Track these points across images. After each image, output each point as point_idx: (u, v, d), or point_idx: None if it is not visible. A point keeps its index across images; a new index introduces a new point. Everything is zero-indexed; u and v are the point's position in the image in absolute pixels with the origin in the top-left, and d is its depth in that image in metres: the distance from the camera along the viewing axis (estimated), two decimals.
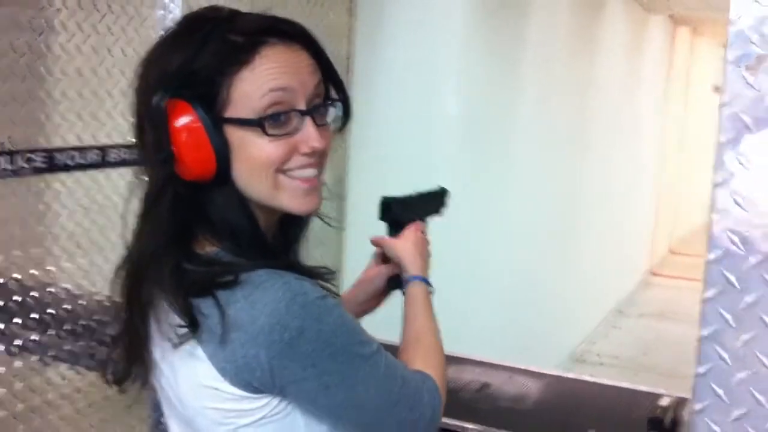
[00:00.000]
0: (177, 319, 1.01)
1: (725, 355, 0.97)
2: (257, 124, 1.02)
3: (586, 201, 6.19)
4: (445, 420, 1.64)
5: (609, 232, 7.01)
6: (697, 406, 0.98)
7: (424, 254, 1.38)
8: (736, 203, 0.96)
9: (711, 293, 0.97)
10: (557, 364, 5.36)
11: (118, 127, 1.84)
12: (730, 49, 0.95)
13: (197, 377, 1.01)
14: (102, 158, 1.72)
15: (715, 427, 0.97)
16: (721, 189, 0.97)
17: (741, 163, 0.95)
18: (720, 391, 0.97)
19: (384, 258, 1.42)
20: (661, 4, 7.55)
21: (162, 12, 1.87)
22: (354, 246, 2.73)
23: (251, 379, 0.98)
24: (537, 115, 4.91)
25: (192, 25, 1.06)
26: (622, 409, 1.84)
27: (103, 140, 1.81)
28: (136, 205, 1.07)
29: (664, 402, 1.78)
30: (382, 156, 3.02)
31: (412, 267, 1.35)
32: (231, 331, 0.97)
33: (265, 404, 1.01)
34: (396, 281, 1.38)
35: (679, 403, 1.80)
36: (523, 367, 2.06)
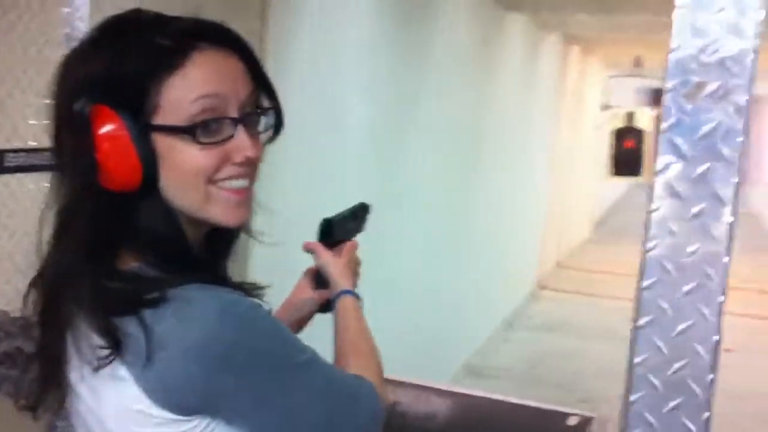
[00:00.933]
0: (97, 340, 0.95)
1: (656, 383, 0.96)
2: (188, 131, 0.97)
3: (478, 213, 6.29)
4: None
5: (500, 245, 7.14)
6: None
7: (356, 272, 1.38)
8: (670, 231, 0.96)
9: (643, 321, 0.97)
10: (451, 376, 5.41)
11: (17, 130, 1.72)
12: (670, 77, 0.95)
13: (122, 401, 0.95)
14: (0, 163, 1.61)
15: None
16: (656, 215, 0.97)
17: (675, 190, 0.95)
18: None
19: (314, 278, 1.38)
20: (555, 23, 7.79)
21: (68, 10, 1.76)
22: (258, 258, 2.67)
23: (183, 398, 0.94)
24: (436, 127, 4.98)
25: (115, 27, 1.01)
26: (531, 428, 1.85)
27: (1, 143, 1.70)
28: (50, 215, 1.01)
29: (572, 421, 1.79)
30: (287, 163, 2.97)
31: (342, 281, 1.32)
32: (159, 350, 0.92)
33: (194, 426, 0.95)
34: (328, 306, 1.35)
35: (586, 421, 1.82)
36: (431, 385, 2.04)
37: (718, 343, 0.94)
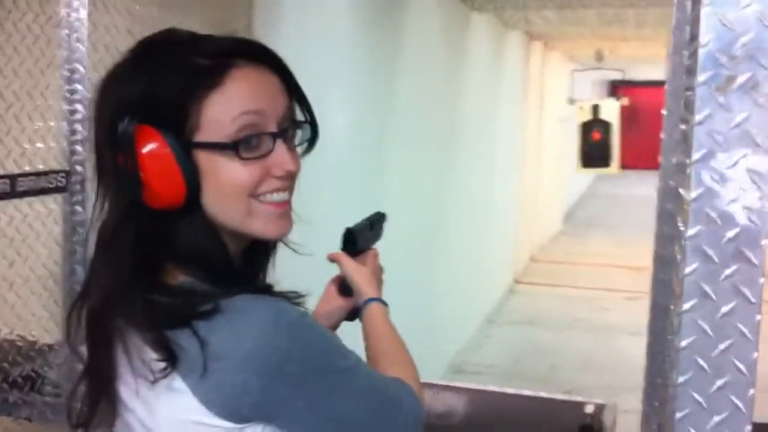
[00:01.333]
0: (151, 354, 0.96)
1: (704, 364, 1.00)
2: (231, 147, 0.99)
3: (454, 211, 6.34)
4: None
5: (477, 242, 7.20)
6: (678, 415, 1.01)
7: (380, 279, 1.40)
8: (710, 217, 0.99)
9: (688, 305, 1.00)
10: (439, 377, 5.45)
11: (25, 153, 1.73)
12: (701, 71, 0.99)
13: (178, 412, 0.97)
14: (11, 188, 1.61)
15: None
16: (696, 204, 1.00)
17: (714, 180, 0.99)
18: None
19: (340, 287, 1.41)
20: (518, 20, 7.89)
21: (66, 31, 1.77)
22: None
23: (240, 407, 0.95)
24: (411, 125, 5.02)
25: (152, 48, 1.03)
26: (547, 419, 1.89)
27: (10, 167, 1.70)
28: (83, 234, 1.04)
29: (589, 409, 1.84)
30: None
31: (369, 289, 1.34)
32: (215, 361, 0.93)
33: (248, 429, 0.97)
34: (356, 314, 1.38)
35: (601, 409, 1.86)
36: (445, 383, 2.08)
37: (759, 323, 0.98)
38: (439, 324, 5.78)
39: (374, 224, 1.49)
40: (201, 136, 0.99)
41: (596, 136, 8.29)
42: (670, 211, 1.57)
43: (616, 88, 17.92)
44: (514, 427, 1.82)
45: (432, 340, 5.62)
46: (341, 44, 3.82)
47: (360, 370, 1.04)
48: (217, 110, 0.99)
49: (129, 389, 1.02)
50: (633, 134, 10.57)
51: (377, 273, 1.40)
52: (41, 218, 1.83)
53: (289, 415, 0.97)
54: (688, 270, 0.99)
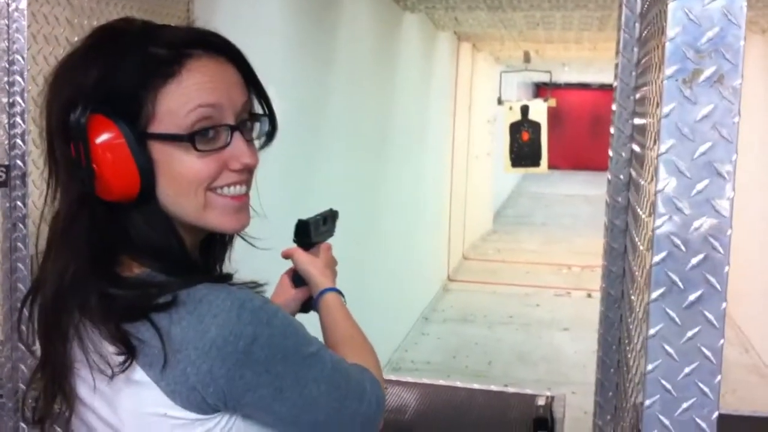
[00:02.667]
0: (109, 348, 0.94)
1: (672, 351, 1.01)
2: (187, 139, 0.98)
3: (386, 211, 6.36)
4: None
5: (410, 240, 7.23)
6: (647, 402, 1.02)
7: (334, 270, 1.41)
8: (677, 208, 1.01)
9: (656, 294, 1.02)
10: None
11: None
12: (668, 64, 1.00)
13: (142, 406, 0.95)
14: None
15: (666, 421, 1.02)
16: (662, 195, 1.01)
17: (681, 171, 1.00)
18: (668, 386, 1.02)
19: (294, 278, 1.40)
20: (449, 21, 7.96)
21: (5, 21, 1.70)
22: None
23: (206, 396, 0.94)
24: (343, 124, 5.01)
25: (108, 37, 1.00)
26: (499, 412, 1.90)
27: None
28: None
29: (541, 402, 1.86)
30: None
31: (323, 280, 1.35)
32: (178, 351, 0.93)
33: (215, 424, 0.96)
34: (309, 304, 1.37)
35: (551, 401, 1.89)
36: (396, 378, 2.07)
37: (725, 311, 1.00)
38: (375, 323, 5.76)
39: (327, 219, 1.49)
40: (156, 128, 0.97)
41: (525, 136, 8.40)
42: (623, 205, 1.60)
43: (540, 90, 18.31)
44: (468, 421, 1.83)
45: (369, 338, 5.62)
46: (275, 42, 3.80)
47: (324, 355, 1.03)
48: (173, 101, 0.97)
49: (86, 385, 1.00)
50: (557, 135, 10.76)
51: (331, 264, 1.41)
52: None
53: (255, 403, 0.96)
54: (656, 259, 1.01)
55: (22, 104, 1.68)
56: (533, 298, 8.60)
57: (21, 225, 1.68)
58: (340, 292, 1.36)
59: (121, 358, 0.93)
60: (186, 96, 0.97)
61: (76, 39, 1.91)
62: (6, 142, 1.68)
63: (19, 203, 1.68)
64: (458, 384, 2.06)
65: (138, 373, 0.94)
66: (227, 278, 1.05)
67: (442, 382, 2.06)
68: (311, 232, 1.42)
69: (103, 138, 0.96)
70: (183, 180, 0.99)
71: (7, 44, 1.69)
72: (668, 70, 0.99)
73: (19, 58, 1.67)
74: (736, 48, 0.98)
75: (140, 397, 0.95)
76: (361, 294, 5.60)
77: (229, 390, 0.94)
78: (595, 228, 12.17)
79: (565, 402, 1.95)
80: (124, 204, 0.99)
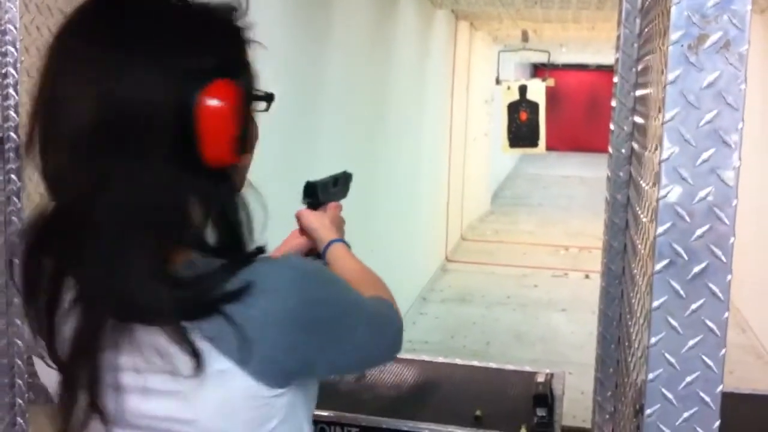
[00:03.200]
0: (176, 347, 0.90)
1: (676, 324, 1.00)
2: (267, 99, 1.03)
3: (385, 191, 6.34)
4: (330, 413, 1.60)
5: (408, 220, 7.22)
6: (650, 376, 1.01)
7: (340, 228, 1.47)
8: (682, 178, 0.99)
9: (660, 266, 1.00)
10: None
11: None
12: (673, 29, 0.98)
13: (227, 393, 0.92)
14: None
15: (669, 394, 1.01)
16: (666, 164, 1.00)
17: (686, 140, 0.98)
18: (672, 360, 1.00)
19: (302, 231, 1.45)
20: None
21: None
22: None
23: (288, 369, 0.94)
24: (341, 105, 4.99)
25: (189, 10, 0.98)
26: (498, 388, 1.89)
27: None
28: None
29: (540, 378, 1.85)
30: None
31: (327, 233, 1.41)
32: (260, 331, 0.91)
33: (293, 393, 0.97)
34: (312, 254, 1.42)
35: (551, 378, 1.87)
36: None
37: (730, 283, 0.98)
38: None
39: (338, 181, 1.54)
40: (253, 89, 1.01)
41: (523, 116, 8.37)
42: (624, 179, 1.58)
43: (538, 71, 18.24)
44: (468, 397, 1.82)
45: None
46: (270, 20, 3.76)
47: (362, 299, 1.07)
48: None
49: (137, 391, 0.95)
50: (554, 117, 10.73)
51: (336, 221, 1.46)
52: None
53: (325, 359, 0.99)
54: (660, 230, 0.99)
55: (15, 75, 1.65)
56: (531, 279, 8.60)
57: (15, 198, 1.65)
58: (346, 243, 1.41)
59: (198, 355, 0.90)
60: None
61: (69, 8, 1.89)
62: None
63: (13, 176, 1.65)
64: (458, 361, 2.05)
65: (222, 363, 0.91)
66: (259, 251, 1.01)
67: (441, 359, 2.05)
68: (318, 193, 1.47)
69: (222, 103, 0.91)
70: (255, 144, 1.03)
71: None
72: (673, 36, 0.97)
73: (12, 28, 1.64)
74: (743, 13, 0.96)
75: (226, 386, 0.92)
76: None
77: (309, 355, 0.95)
78: (592, 209, 12.17)
79: (565, 380, 1.94)
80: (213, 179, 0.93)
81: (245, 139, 0.97)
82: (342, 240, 1.41)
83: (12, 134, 1.64)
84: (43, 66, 0.94)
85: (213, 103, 0.90)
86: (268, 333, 0.91)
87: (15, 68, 1.64)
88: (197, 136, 0.90)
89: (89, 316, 0.91)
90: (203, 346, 0.90)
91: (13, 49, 1.64)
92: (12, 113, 1.64)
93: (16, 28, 1.64)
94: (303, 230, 1.45)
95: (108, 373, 0.93)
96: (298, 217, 1.45)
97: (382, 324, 1.11)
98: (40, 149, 0.92)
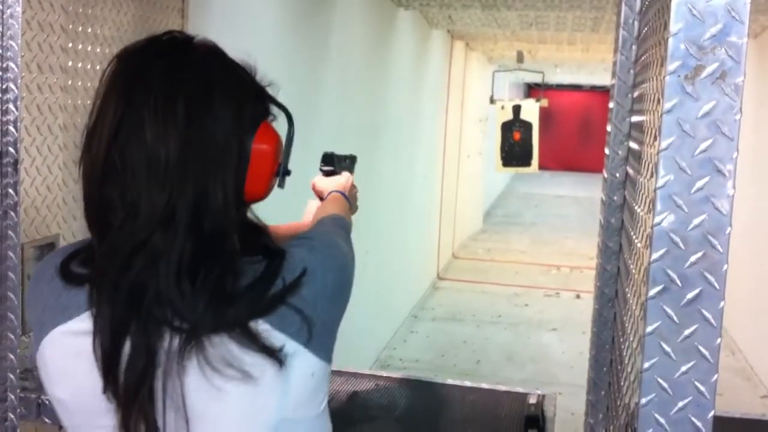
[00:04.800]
0: (242, 346, 0.97)
1: (669, 350, 1.01)
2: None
3: (377, 208, 6.34)
4: None
5: (400, 238, 7.22)
6: (643, 400, 1.02)
7: (349, 190, 1.66)
8: (677, 205, 1.00)
9: (654, 291, 1.01)
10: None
11: None
12: (671, 60, 1.00)
13: (291, 374, 0.99)
14: None
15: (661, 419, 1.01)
16: (662, 191, 1.01)
17: (681, 168, 1.00)
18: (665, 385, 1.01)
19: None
20: (443, 19, 7.95)
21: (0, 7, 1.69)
22: None
23: (335, 333, 1.06)
24: (336, 122, 5.00)
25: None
26: (490, 409, 1.89)
27: None
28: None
29: (533, 399, 1.85)
30: None
31: (331, 188, 1.63)
32: (314, 309, 1.01)
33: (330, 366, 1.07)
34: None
35: (543, 399, 1.88)
36: (387, 374, 2.07)
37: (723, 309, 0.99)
38: (365, 320, 5.77)
39: (347, 159, 1.76)
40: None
41: (517, 135, 8.41)
42: (618, 203, 1.59)
43: (532, 91, 18.33)
44: (459, 418, 1.82)
45: (358, 336, 5.61)
46: (267, 38, 3.79)
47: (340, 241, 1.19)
48: None
49: (202, 393, 0.97)
50: (547, 136, 10.77)
51: (343, 183, 1.66)
52: None
53: (346, 304, 1.12)
54: (654, 256, 1.00)
55: (15, 91, 1.66)
56: (522, 298, 8.61)
57: (12, 213, 1.66)
58: (344, 196, 1.60)
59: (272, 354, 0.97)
60: None
61: (70, 26, 1.90)
62: None
63: (10, 191, 1.66)
64: (449, 381, 2.06)
65: (290, 345, 0.98)
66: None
67: (433, 379, 2.06)
68: (334, 161, 1.68)
69: (265, 146, 1.05)
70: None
71: (1, 30, 1.67)
72: (670, 66, 0.99)
73: (13, 44, 1.65)
74: (739, 45, 0.97)
75: (292, 367, 0.98)
76: (353, 290, 5.58)
77: (343, 310, 1.09)
78: (584, 229, 12.22)
79: (556, 401, 1.95)
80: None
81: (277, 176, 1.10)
82: (341, 192, 1.60)
83: (11, 149, 1.65)
84: (112, 95, 1.00)
85: (262, 144, 1.04)
86: (320, 309, 1.01)
87: (15, 84, 1.65)
88: (247, 172, 1.03)
89: (154, 336, 0.95)
90: (273, 334, 0.97)
91: (14, 65, 1.65)
92: (11, 128, 1.65)
93: (17, 44, 1.65)
94: (317, 193, 1.67)
95: (174, 389, 0.96)
96: (314, 184, 1.69)
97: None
98: (117, 176, 0.97)
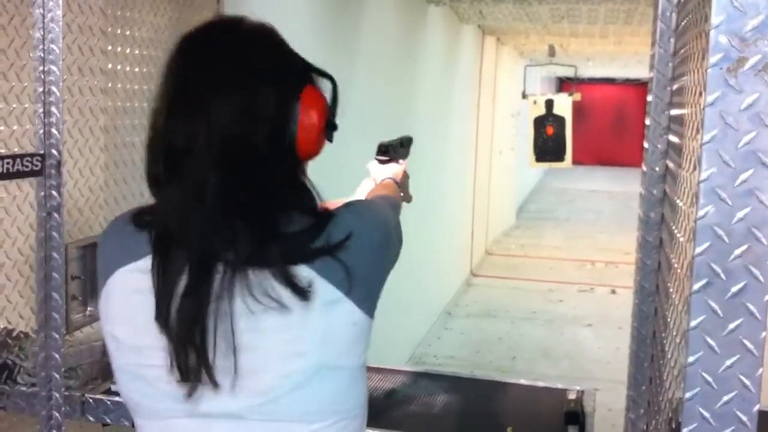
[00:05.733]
0: (288, 285, 1.03)
1: (713, 344, 1.00)
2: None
3: (412, 204, 6.33)
4: None
5: (434, 235, 7.21)
6: (688, 395, 1.01)
7: (404, 183, 1.82)
8: (720, 198, 0.99)
9: (698, 286, 1.00)
10: None
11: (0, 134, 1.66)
12: (713, 52, 0.99)
13: (334, 320, 1.05)
14: None
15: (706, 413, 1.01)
16: (705, 185, 1.00)
17: (724, 161, 0.99)
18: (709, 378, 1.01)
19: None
20: (473, 14, 7.92)
21: (40, 11, 1.71)
22: None
23: (379, 287, 1.13)
24: (367, 119, 5.01)
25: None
26: (530, 405, 1.89)
27: None
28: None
29: (572, 396, 1.85)
30: None
31: (386, 174, 1.76)
32: (357, 265, 1.07)
33: (372, 320, 1.13)
34: None
35: (582, 395, 1.87)
36: (425, 370, 2.07)
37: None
38: (399, 317, 5.79)
39: (403, 143, 1.85)
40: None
41: (550, 130, 8.35)
42: (658, 197, 1.58)
43: (564, 85, 18.20)
44: (498, 415, 1.82)
45: (392, 333, 5.62)
46: (299, 34, 3.80)
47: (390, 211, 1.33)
48: None
49: (253, 332, 1.03)
50: (580, 131, 10.68)
51: (395, 170, 1.79)
52: (17, 202, 1.77)
53: (391, 261, 1.20)
54: (698, 250, 0.99)
55: (57, 93, 1.69)
56: (556, 294, 8.56)
57: (56, 214, 1.69)
58: (396, 183, 1.74)
59: (301, 293, 1.03)
60: None
61: (109, 29, 1.93)
62: (41, 130, 1.69)
63: (54, 192, 1.69)
64: (488, 377, 2.06)
65: (332, 293, 1.04)
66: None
67: (471, 374, 2.06)
68: (389, 151, 1.78)
69: (310, 105, 1.14)
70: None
71: (42, 33, 1.70)
72: (712, 59, 0.98)
73: (54, 48, 1.68)
74: None
75: (333, 314, 1.05)
76: (385, 292, 5.59)
77: (386, 265, 1.16)
78: (618, 224, 12.13)
79: (595, 397, 1.94)
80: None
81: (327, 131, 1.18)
82: (393, 179, 1.75)
83: (53, 151, 1.68)
84: (169, 75, 1.10)
85: (308, 103, 1.14)
86: (364, 259, 1.08)
87: (57, 87, 1.68)
88: (297, 127, 1.11)
89: (206, 267, 1.02)
90: (315, 278, 1.04)
91: (55, 68, 1.68)
92: (54, 131, 1.68)
93: (59, 48, 1.67)
94: (372, 177, 1.80)
95: (223, 318, 1.02)
96: (369, 169, 1.83)
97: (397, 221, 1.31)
98: (176, 132, 1.06)
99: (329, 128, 1.19)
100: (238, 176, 1.04)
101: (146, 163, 1.09)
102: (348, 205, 1.16)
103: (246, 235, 1.03)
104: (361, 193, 1.81)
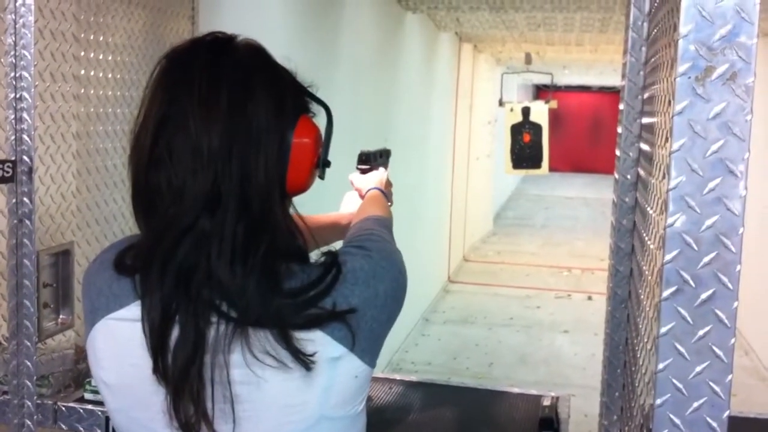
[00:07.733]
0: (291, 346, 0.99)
1: (683, 350, 1.01)
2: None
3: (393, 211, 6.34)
4: None
5: (411, 241, 7.22)
6: (658, 401, 1.02)
7: (384, 186, 1.74)
8: (689, 206, 1.00)
9: (667, 293, 1.01)
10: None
11: None
12: (681, 61, 1.00)
13: (337, 376, 1.01)
14: None
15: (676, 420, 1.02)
16: (674, 193, 1.01)
17: (693, 169, 1.00)
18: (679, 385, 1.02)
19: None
20: (450, 22, 7.96)
21: (12, 17, 1.70)
22: None
23: (383, 338, 1.07)
24: (345, 125, 5.00)
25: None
26: (505, 411, 1.90)
27: None
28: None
29: (547, 402, 1.85)
30: None
31: (369, 186, 1.69)
32: (362, 317, 1.02)
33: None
34: None
35: (557, 401, 1.88)
36: (401, 378, 2.07)
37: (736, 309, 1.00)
38: None
39: (382, 154, 1.86)
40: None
41: (527, 137, 8.39)
42: (630, 205, 1.60)
43: (541, 93, 18.31)
44: (473, 420, 1.82)
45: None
46: (276, 41, 3.79)
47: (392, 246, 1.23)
48: None
49: (250, 385, 1.00)
50: (557, 138, 10.74)
51: (378, 178, 1.74)
52: None
53: (398, 312, 1.13)
54: (668, 257, 1.00)
55: (29, 100, 1.67)
56: (534, 300, 8.60)
57: (27, 221, 1.67)
58: (382, 192, 1.67)
59: (301, 360, 0.98)
60: None
61: (82, 35, 1.91)
62: (12, 137, 1.67)
63: (25, 199, 1.67)
64: (463, 384, 2.06)
65: (336, 349, 1.00)
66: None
67: (446, 381, 2.06)
68: (370, 159, 1.76)
69: (305, 137, 1.08)
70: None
71: (14, 39, 1.69)
72: (681, 68, 0.99)
73: (26, 54, 1.67)
74: (749, 46, 0.98)
75: (336, 370, 1.01)
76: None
77: (394, 317, 1.09)
78: (594, 230, 12.20)
79: (570, 403, 1.95)
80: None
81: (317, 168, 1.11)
82: (379, 189, 1.67)
83: (25, 157, 1.67)
84: (158, 91, 1.04)
85: (302, 136, 1.07)
86: (368, 316, 1.03)
87: (29, 93, 1.67)
88: (289, 162, 1.05)
89: (203, 319, 0.97)
90: (318, 338, 0.99)
91: (27, 75, 1.66)
92: (25, 137, 1.66)
93: (30, 54, 1.66)
94: (356, 188, 1.74)
95: (219, 370, 0.98)
96: (352, 181, 1.76)
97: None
98: (163, 165, 1.00)
99: (322, 165, 1.13)
100: (235, 217, 0.98)
101: (133, 189, 1.03)
102: (357, 248, 1.10)
103: (247, 290, 0.97)
104: (346, 208, 1.75)
